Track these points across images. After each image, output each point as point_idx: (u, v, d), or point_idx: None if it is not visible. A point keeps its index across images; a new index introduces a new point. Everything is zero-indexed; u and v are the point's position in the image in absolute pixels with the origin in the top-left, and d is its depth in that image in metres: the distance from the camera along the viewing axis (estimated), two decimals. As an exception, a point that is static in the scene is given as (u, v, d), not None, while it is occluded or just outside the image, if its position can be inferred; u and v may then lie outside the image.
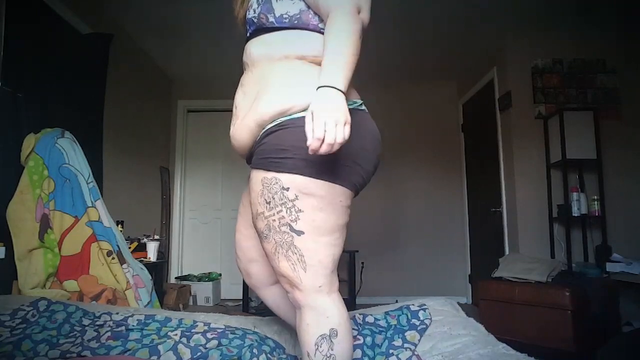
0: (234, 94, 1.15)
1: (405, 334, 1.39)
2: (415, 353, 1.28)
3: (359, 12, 0.97)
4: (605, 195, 3.09)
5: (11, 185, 2.02)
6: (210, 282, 4.00)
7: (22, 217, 1.99)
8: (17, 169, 2.08)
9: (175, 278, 4.21)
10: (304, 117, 0.94)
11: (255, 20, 1.06)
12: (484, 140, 3.94)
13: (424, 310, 1.53)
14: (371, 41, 3.44)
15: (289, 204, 0.94)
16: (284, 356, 1.35)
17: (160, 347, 1.30)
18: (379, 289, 4.32)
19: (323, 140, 0.83)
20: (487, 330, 1.42)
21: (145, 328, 1.48)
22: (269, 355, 1.31)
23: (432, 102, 4.61)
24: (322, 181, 0.93)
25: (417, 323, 1.45)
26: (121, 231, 2.70)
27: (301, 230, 0.94)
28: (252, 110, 1.02)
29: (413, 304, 1.58)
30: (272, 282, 1.28)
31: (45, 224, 2.03)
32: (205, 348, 1.34)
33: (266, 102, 0.99)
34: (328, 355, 0.93)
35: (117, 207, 2.94)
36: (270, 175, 0.95)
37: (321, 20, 1.03)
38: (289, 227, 0.95)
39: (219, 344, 1.37)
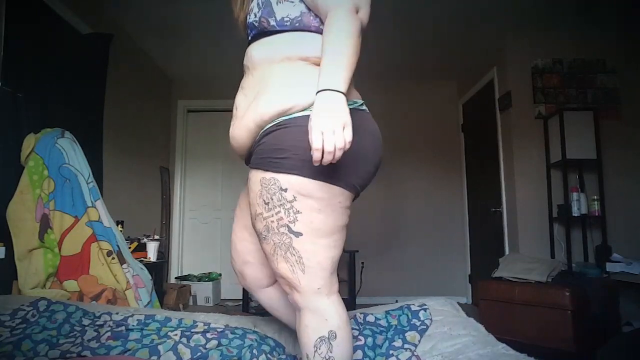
0: (234, 94, 1.15)
1: (406, 334, 1.39)
2: (415, 354, 1.28)
3: (357, 11, 0.96)
4: (605, 195, 3.09)
5: (11, 185, 2.02)
6: (210, 282, 4.00)
7: (22, 217, 1.99)
8: (17, 169, 2.08)
9: (175, 278, 4.21)
10: (303, 116, 0.93)
11: (257, 24, 1.05)
12: (484, 140, 3.94)
13: (425, 310, 1.53)
14: (371, 41, 3.44)
15: (287, 205, 0.93)
16: (284, 356, 1.35)
17: (160, 347, 1.30)
18: (379, 289, 4.32)
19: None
20: (487, 330, 1.42)
21: (145, 328, 1.48)
22: (268, 355, 1.31)
23: (432, 102, 4.61)
24: (320, 182, 0.93)
25: (418, 323, 1.45)
26: (121, 231, 2.70)
27: (299, 231, 0.94)
28: (251, 110, 1.01)
29: (414, 304, 1.58)
30: (267, 284, 1.27)
31: (45, 224, 2.03)
32: (205, 348, 1.34)
33: (266, 102, 0.99)
34: (327, 357, 0.93)
35: (117, 207, 2.94)
36: (269, 175, 0.94)
37: (322, 22, 1.02)
38: (287, 229, 0.94)
39: (219, 344, 1.37)
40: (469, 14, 3.21)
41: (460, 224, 4.45)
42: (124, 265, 2.16)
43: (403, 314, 1.53)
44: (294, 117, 0.95)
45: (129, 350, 1.32)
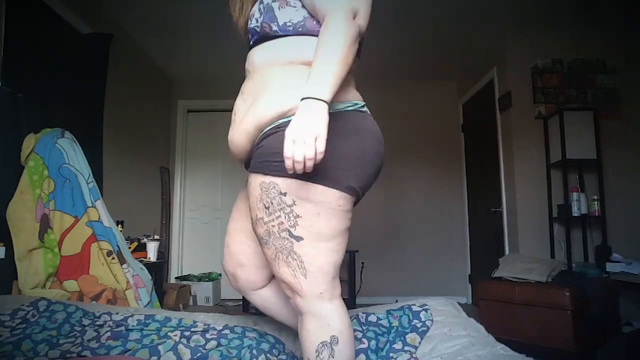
0: (234, 94, 1.14)
1: (406, 336, 1.39)
2: (414, 356, 1.28)
3: (354, 17, 0.94)
4: (605, 195, 3.09)
5: (11, 185, 2.02)
6: (210, 282, 4.00)
7: (22, 217, 1.99)
8: (17, 169, 2.08)
9: (175, 278, 4.21)
10: None
11: (259, 30, 1.04)
12: (484, 140, 3.94)
13: (426, 310, 1.53)
14: (371, 41, 3.43)
15: (287, 209, 0.92)
16: (284, 356, 1.35)
17: (160, 347, 1.30)
18: (379, 289, 4.32)
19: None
20: (487, 330, 1.42)
21: (145, 328, 1.48)
22: (267, 354, 1.31)
23: (432, 102, 4.61)
24: (319, 186, 0.91)
25: (419, 325, 1.45)
26: (121, 231, 2.70)
27: (300, 236, 0.93)
28: (250, 113, 1.00)
29: (414, 304, 1.58)
30: (260, 287, 1.26)
31: (45, 224, 2.03)
32: (205, 349, 1.34)
33: (265, 104, 0.98)
34: None
35: (117, 207, 2.94)
36: (268, 179, 0.94)
37: None
38: (288, 233, 0.93)
39: (219, 345, 1.37)
40: (469, 14, 3.21)
41: (460, 224, 4.45)
42: (124, 265, 2.16)
43: (404, 314, 1.53)
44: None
45: (129, 350, 1.32)
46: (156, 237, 3.37)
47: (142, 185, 3.82)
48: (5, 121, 2.09)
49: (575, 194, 3.07)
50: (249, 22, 1.09)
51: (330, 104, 0.95)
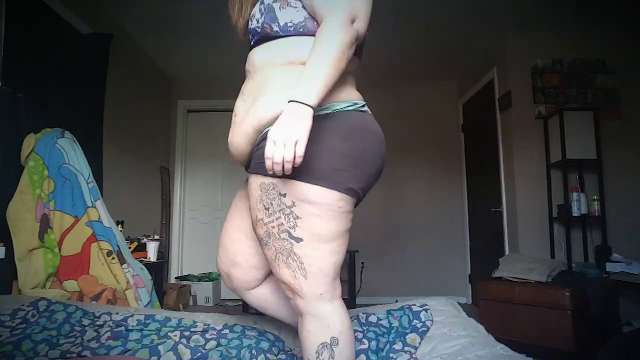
0: (235, 94, 1.14)
1: (407, 337, 1.39)
2: (414, 356, 1.28)
3: (353, 21, 0.94)
4: (605, 195, 3.09)
5: (11, 185, 2.02)
6: (210, 282, 4.00)
7: (22, 217, 1.99)
8: (17, 169, 2.08)
9: (175, 278, 4.21)
10: None
11: (259, 30, 1.04)
12: (484, 140, 3.94)
13: (426, 310, 1.53)
14: (371, 41, 3.42)
15: (286, 210, 0.92)
16: (283, 355, 1.35)
17: (160, 347, 1.30)
18: (379, 289, 4.32)
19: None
20: (487, 330, 1.42)
21: (145, 328, 1.48)
22: (267, 353, 1.31)
23: (432, 102, 4.61)
24: (319, 187, 0.91)
25: (419, 325, 1.45)
26: (121, 231, 2.70)
27: (300, 237, 0.92)
28: (249, 115, 1.00)
29: (415, 304, 1.58)
30: (253, 287, 1.25)
31: (45, 224, 2.03)
32: (205, 349, 1.34)
33: (264, 104, 0.98)
34: None
35: (117, 207, 2.94)
36: (268, 180, 0.93)
37: None
38: (287, 234, 0.93)
39: (218, 345, 1.38)
40: (469, 14, 3.21)
41: (460, 224, 4.45)
42: (124, 265, 2.16)
43: (404, 314, 1.53)
44: None
45: (129, 350, 1.32)
46: (156, 237, 3.37)
47: (142, 185, 3.82)
48: (5, 121, 2.09)
49: (575, 194, 3.07)
50: (250, 22, 1.08)
51: (330, 104, 0.95)
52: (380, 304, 1.75)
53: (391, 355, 1.30)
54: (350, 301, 3.65)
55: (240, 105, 1.08)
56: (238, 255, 1.22)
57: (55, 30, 2.53)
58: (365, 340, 1.33)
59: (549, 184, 3.25)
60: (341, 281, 1.02)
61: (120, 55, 3.28)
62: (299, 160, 0.83)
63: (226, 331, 1.48)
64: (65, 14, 2.62)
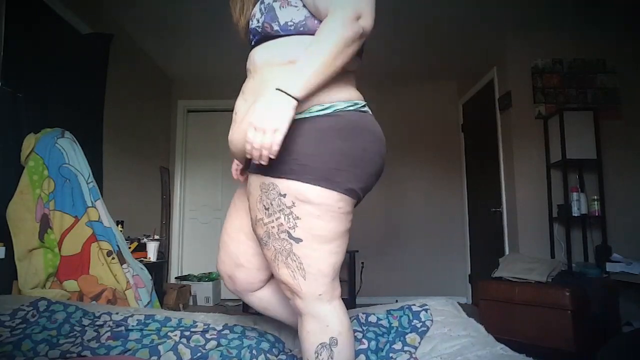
0: (235, 94, 1.14)
1: (406, 336, 1.39)
2: (414, 356, 1.28)
3: (359, 18, 0.92)
4: (605, 195, 3.09)
5: (11, 185, 2.02)
6: (210, 282, 4.00)
7: (22, 217, 1.99)
8: (17, 169, 2.08)
9: (175, 278, 4.21)
10: (302, 119, 0.92)
11: (260, 30, 1.03)
12: (484, 140, 3.94)
13: (426, 310, 1.52)
14: (371, 41, 3.42)
15: (286, 210, 0.92)
16: (284, 356, 1.35)
17: (160, 347, 1.30)
18: (379, 289, 4.32)
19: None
20: (487, 330, 1.42)
21: (145, 328, 1.48)
22: (267, 354, 1.31)
23: (432, 102, 4.61)
24: (319, 187, 0.91)
25: (419, 325, 1.45)
26: (121, 231, 2.70)
27: (299, 237, 0.92)
28: (249, 114, 0.99)
29: (415, 304, 1.58)
30: (257, 288, 1.24)
31: (45, 224, 2.03)
32: (205, 349, 1.34)
33: None
34: None
35: (117, 207, 2.94)
36: (268, 180, 0.93)
37: None
38: (287, 234, 0.92)
39: (218, 345, 1.38)
40: (469, 14, 3.21)
41: (460, 224, 4.45)
42: (124, 265, 2.16)
43: (404, 314, 1.53)
44: (294, 120, 0.92)
45: (129, 350, 1.32)
46: (156, 237, 3.38)
47: (142, 185, 3.82)
48: (5, 121, 2.09)
49: (575, 194, 3.07)
50: (250, 22, 1.08)
51: (331, 104, 0.95)
52: (380, 304, 1.75)
53: (391, 355, 1.30)
54: (350, 301, 3.65)
55: (241, 104, 1.08)
56: (240, 257, 1.21)
57: (55, 30, 2.53)
58: (364, 340, 1.33)
59: (549, 184, 3.25)
60: (341, 281, 1.02)
61: (120, 55, 3.28)
62: (275, 148, 0.83)
63: (226, 331, 1.48)
64: (65, 14, 2.62)
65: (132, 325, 1.49)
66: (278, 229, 0.93)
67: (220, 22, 3.24)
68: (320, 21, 0.98)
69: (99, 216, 2.17)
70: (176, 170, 4.55)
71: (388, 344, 1.36)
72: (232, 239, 1.22)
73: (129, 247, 2.68)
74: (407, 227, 4.45)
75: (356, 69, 1.07)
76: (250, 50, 1.10)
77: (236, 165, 1.29)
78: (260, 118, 0.83)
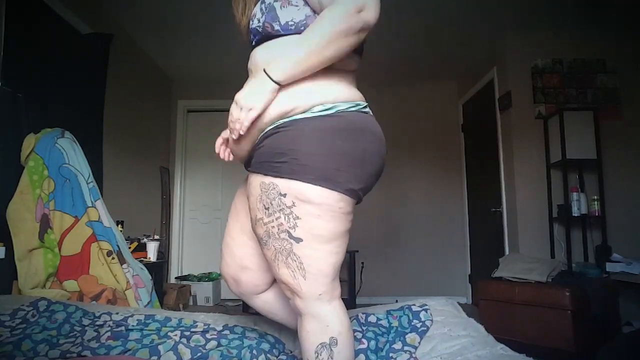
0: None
1: (406, 336, 1.39)
2: (414, 356, 1.28)
3: (361, 11, 0.90)
4: (605, 195, 3.09)
5: (11, 185, 2.02)
6: (210, 282, 4.00)
7: (22, 217, 1.99)
8: (17, 169, 2.08)
9: (175, 278, 4.21)
10: (304, 118, 0.92)
11: (260, 30, 1.03)
12: (484, 140, 3.94)
13: (426, 310, 1.52)
14: (371, 41, 3.43)
15: (286, 210, 0.91)
16: (284, 357, 1.35)
17: (160, 347, 1.30)
18: (379, 289, 4.32)
19: None
20: (487, 330, 1.42)
21: (145, 328, 1.48)
22: (268, 354, 1.31)
23: (432, 102, 4.61)
24: (319, 187, 0.90)
25: (419, 325, 1.45)
26: (121, 231, 2.70)
27: (300, 237, 0.92)
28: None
29: (414, 304, 1.58)
30: (262, 291, 1.24)
31: (45, 224, 2.03)
32: (205, 349, 1.34)
33: None
34: None
35: (117, 207, 2.94)
36: (268, 180, 0.93)
37: None
38: (287, 234, 0.92)
39: (219, 345, 1.37)
40: (469, 14, 3.21)
41: (460, 224, 4.45)
42: (124, 265, 2.16)
43: (404, 314, 1.53)
44: (294, 120, 0.93)
45: (129, 350, 1.32)
46: (156, 237, 3.38)
47: (142, 185, 3.82)
48: (5, 121, 2.09)
49: (575, 194, 3.07)
50: (251, 22, 1.08)
51: (333, 104, 0.94)
52: (380, 304, 1.75)
53: (391, 355, 1.30)
54: (350, 301, 3.65)
55: None
56: (245, 259, 1.20)
57: (55, 30, 2.53)
58: (364, 340, 1.33)
59: (549, 184, 3.25)
60: (341, 281, 1.02)
61: (120, 55, 3.28)
62: (245, 124, 0.93)
63: (226, 332, 1.48)
64: (65, 14, 2.62)
65: (132, 325, 1.49)
66: (278, 229, 0.93)
67: (220, 22, 3.24)
68: None
69: (99, 216, 2.17)
70: (176, 170, 4.55)
71: (388, 344, 1.36)
72: (235, 242, 1.22)
73: (129, 247, 2.68)
74: (407, 227, 4.45)
75: (356, 68, 1.07)
76: (252, 50, 1.10)
77: (221, 140, 1.25)
78: (242, 95, 0.93)
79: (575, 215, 3.04)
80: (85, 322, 1.52)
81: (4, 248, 1.96)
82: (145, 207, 3.85)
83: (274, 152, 0.93)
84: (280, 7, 1.01)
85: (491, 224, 3.79)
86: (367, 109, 1.03)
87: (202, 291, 3.99)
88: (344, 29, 0.88)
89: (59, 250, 2.06)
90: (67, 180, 2.12)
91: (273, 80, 0.90)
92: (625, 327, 2.74)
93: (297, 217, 0.91)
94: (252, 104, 0.91)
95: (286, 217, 0.92)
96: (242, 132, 0.94)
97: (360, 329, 1.43)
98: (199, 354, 1.28)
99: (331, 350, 0.92)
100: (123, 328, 1.47)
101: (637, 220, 3.19)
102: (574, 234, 3.14)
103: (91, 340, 1.37)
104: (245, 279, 1.21)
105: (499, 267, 2.89)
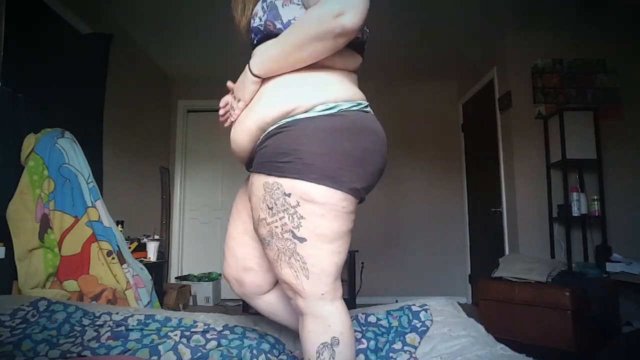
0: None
1: (406, 336, 1.39)
2: (414, 356, 1.28)
3: (339, 16, 0.86)
4: (605, 195, 3.09)
5: (11, 185, 2.02)
6: (210, 282, 4.00)
7: (22, 217, 1.99)
8: (17, 169, 2.08)
9: (175, 278, 4.21)
10: (306, 118, 0.92)
11: (262, 29, 1.03)
12: (484, 140, 3.94)
13: (426, 310, 1.52)
14: (371, 41, 3.43)
15: (291, 210, 0.91)
16: (284, 357, 1.35)
17: (160, 347, 1.30)
18: (379, 289, 4.32)
19: None
20: (486, 330, 1.42)
21: (145, 328, 1.48)
22: (268, 354, 1.31)
23: (432, 102, 4.61)
24: (323, 187, 0.90)
25: (418, 325, 1.45)
26: (121, 231, 2.70)
27: (303, 237, 0.92)
28: (252, 112, 1.00)
29: (414, 304, 1.58)
30: (265, 291, 1.24)
31: (45, 224, 2.03)
32: (205, 349, 1.34)
33: (268, 103, 0.97)
34: None
35: (117, 207, 2.94)
36: (272, 180, 0.92)
37: None
38: (291, 234, 0.92)
39: (219, 345, 1.37)
40: (469, 14, 3.21)
41: (460, 224, 4.45)
42: (124, 265, 2.16)
43: (404, 314, 1.53)
44: (297, 119, 0.92)
45: (129, 350, 1.32)
46: (156, 237, 3.37)
47: (142, 185, 3.82)
48: (5, 121, 2.09)
49: (575, 194, 3.07)
50: (252, 21, 1.08)
51: (336, 104, 0.94)
52: (380, 304, 1.75)
53: (391, 354, 1.30)
54: (350, 301, 3.65)
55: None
56: (248, 260, 1.20)
57: (55, 30, 2.53)
58: (364, 340, 1.33)
59: (549, 184, 3.25)
60: (341, 281, 1.02)
61: (120, 55, 3.28)
62: (235, 113, 1.06)
63: (227, 332, 1.48)
64: (65, 14, 2.62)
65: (132, 325, 1.49)
66: (282, 229, 0.93)
67: (220, 22, 3.24)
68: None
69: (99, 216, 2.17)
70: (176, 170, 4.55)
71: (388, 344, 1.36)
72: (237, 243, 1.22)
73: (129, 247, 2.68)
74: (407, 227, 4.45)
75: (358, 68, 1.07)
76: (252, 50, 1.10)
77: (224, 103, 1.14)
78: (237, 87, 1.05)
79: (575, 215, 3.04)
80: (85, 322, 1.52)
81: (4, 248, 1.96)
82: (145, 207, 3.85)
83: (277, 152, 0.92)
84: (282, 6, 1.01)
85: (491, 224, 3.79)
86: (369, 109, 1.03)
87: (202, 291, 3.99)
88: (318, 32, 0.88)
89: (59, 250, 2.06)
90: (67, 180, 2.12)
91: (253, 74, 0.99)
92: (625, 327, 2.74)
93: (302, 217, 0.91)
94: (240, 95, 1.03)
95: (290, 217, 0.92)
96: (232, 119, 1.08)
97: (360, 329, 1.43)
98: (199, 354, 1.28)
99: (333, 350, 0.92)
100: (123, 328, 1.47)
101: (637, 220, 3.19)
102: (574, 234, 3.14)
103: (91, 340, 1.37)
104: (248, 280, 1.21)
105: (499, 267, 2.89)
